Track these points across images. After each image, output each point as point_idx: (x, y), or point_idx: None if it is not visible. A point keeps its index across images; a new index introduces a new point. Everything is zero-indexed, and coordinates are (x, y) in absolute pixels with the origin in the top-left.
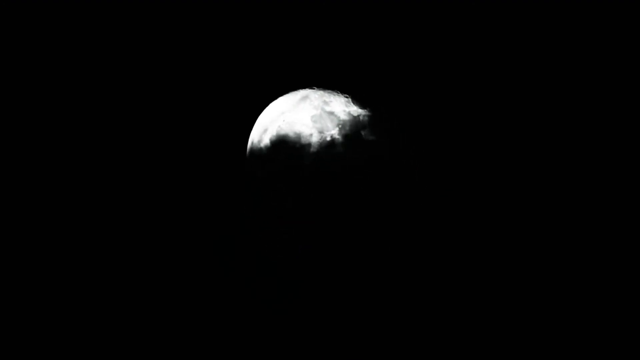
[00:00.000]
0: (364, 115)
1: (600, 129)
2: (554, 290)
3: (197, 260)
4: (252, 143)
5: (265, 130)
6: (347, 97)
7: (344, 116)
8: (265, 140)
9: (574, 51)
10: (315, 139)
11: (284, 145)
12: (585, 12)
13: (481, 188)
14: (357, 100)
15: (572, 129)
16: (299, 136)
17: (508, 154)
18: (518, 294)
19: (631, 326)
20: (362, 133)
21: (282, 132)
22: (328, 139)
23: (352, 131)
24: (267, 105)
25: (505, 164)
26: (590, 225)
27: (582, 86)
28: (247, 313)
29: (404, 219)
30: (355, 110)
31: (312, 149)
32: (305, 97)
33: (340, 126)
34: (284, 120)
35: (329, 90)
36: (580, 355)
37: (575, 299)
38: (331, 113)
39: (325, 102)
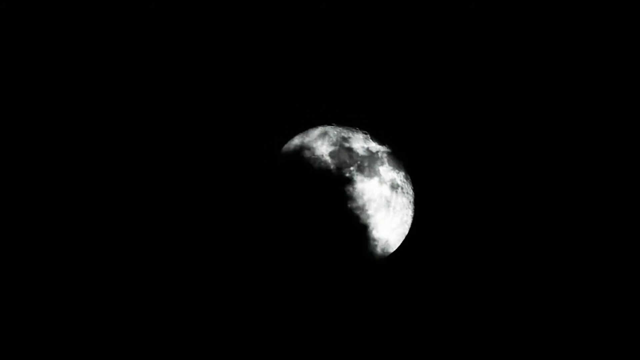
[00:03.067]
0: (382, 152)
1: (601, 132)
2: (552, 291)
3: (194, 259)
4: (273, 179)
5: (285, 164)
6: (365, 134)
7: (362, 152)
8: (286, 174)
9: (574, 57)
10: (333, 174)
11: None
12: (586, 12)
13: (494, 220)
14: (376, 136)
15: (573, 138)
16: (318, 172)
17: (522, 187)
18: (516, 294)
19: (631, 326)
20: (380, 170)
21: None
22: (347, 175)
23: (371, 167)
24: (287, 140)
25: (519, 197)
26: (588, 225)
27: (582, 90)
28: (247, 313)
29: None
30: (374, 146)
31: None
32: (324, 134)
33: (358, 162)
34: (303, 155)
35: (348, 127)
36: (578, 355)
37: (570, 298)
38: (350, 149)
39: (344, 139)
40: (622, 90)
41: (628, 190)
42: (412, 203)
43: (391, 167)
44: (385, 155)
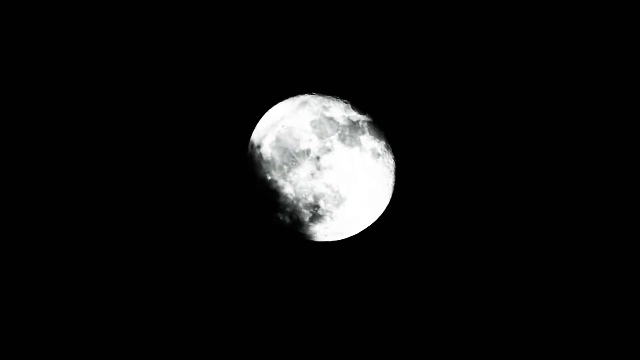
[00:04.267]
0: (363, 121)
1: (601, 132)
2: (550, 291)
3: (194, 259)
4: (251, 147)
5: (264, 136)
6: (346, 103)
7: (343, 122)
8: (265, 145)
9: (573, 57)
10: (314, 144)
11: (282, 150)
12: (585, 12)
13: (475, 190)
14: (357, 105)
15: (572, 138)
16: (297, 142)
17: (504, 155)
18: (514, 295)
19: (630, 326)
20: (361, 139)
21: (281, 137)
22: (327, 144)
23: (352, 136)
24: (266, 110)
25: (501, 165)
26: (587, 226)
27: (582, 91)
28: (246, 313)
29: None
30: (355, 115)
31: (311, 155)
32: (304, 103)
33: (339, 132)
34: (283, 126)
35: (329, 96)
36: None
37: (556, 281)
38: (330, 119)
39: (325, 108)
40: (619, 90)
41: (624, 186)
42: (392, 172)
43: (372, 137)
44: (366, 124)
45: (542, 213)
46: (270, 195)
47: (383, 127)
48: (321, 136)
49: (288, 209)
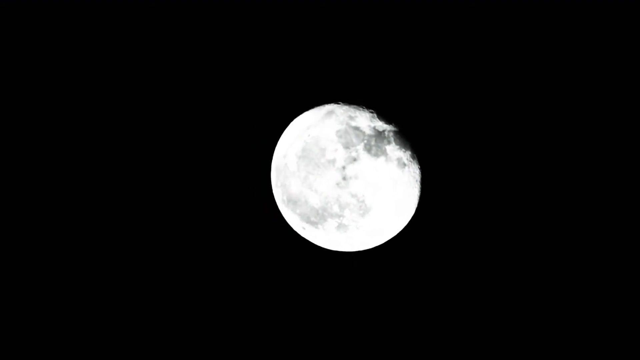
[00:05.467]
0: (389, 131)
1: (601, 133)
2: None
3: (219, 270)
4: (277, 157)
5: (290, 145)
6: (372, 112)
7: (369, 131)
8: (290, 155)
9: (574, 55)
10: (340, 154)
11: (308, 160)
12: (585, 12)
13: (502, 201)
14: (382, 115)
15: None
16: (323, 151)
17: (533, 167)
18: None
19: (630, 326)
20: (387, 148)
21: (307, 146)
22: (353, 154)
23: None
24: (292, 119)
25: (529, 177)
26: (586, 226)
27: (582, 91)
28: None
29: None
30: (381, 125)
31: (337, 165)
32: (330, 112)
33: (365, 141)
34: (309, 135)
35: (355, 105)
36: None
37: (573, 293)
38: (356, 128)
39: (351, 117)
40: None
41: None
42: (418, 182)
43: (398, 146)
44: (391, 134)
45: (574, 232)
46: (296, 204)
47: (409, 137)
48: (347, 146)
49: (313, 219)
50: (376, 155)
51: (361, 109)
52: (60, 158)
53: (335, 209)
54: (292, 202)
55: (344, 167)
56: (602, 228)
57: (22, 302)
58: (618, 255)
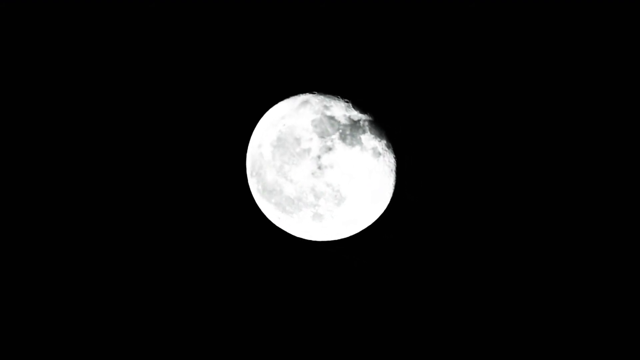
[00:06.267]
0: (364, 120)
1: (601, 133)
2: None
3: (192, 258)
4: (252, 146)
5: (265, 135)
6: (347, 102)
7: (344, 121)
8: (265, 144)
9: (573, 55)
10: (315, 143)
11: (283, 149)
12: (585, 12)
13: (476, 189)
14: (358, 105)
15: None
16: (298, 141)
17: (505, 154)
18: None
19: (631, 326)
20: (362, 138)
21: (282, 136)
22: (328, 143)
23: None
24: (267, 109)
25: (502, 164)
26: (586, 227)
27: (582, 92)
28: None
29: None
30: (356, 114)
31: (312, 154)
32: (305, 102)
33: (340, 131)
34: (284, 125)
35: (330, 95)
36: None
37: (559, 282)
38: (331, 118)
39: (326, 107)
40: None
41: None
42: (393, 171)
43: (373, 136)
44: (367, 123)
45: (544, 213)
46: (271, 194)
47: (384, 126)
48: (322, 135)
49: (289, 208)
50: (351, 144)
51: (336, 98)
52: (53, 156)
53: (311, 198)
54: (267, 191)
55: (319, 157)
56: (582, 214)
57: (14, 302)
58: (603, 246)
